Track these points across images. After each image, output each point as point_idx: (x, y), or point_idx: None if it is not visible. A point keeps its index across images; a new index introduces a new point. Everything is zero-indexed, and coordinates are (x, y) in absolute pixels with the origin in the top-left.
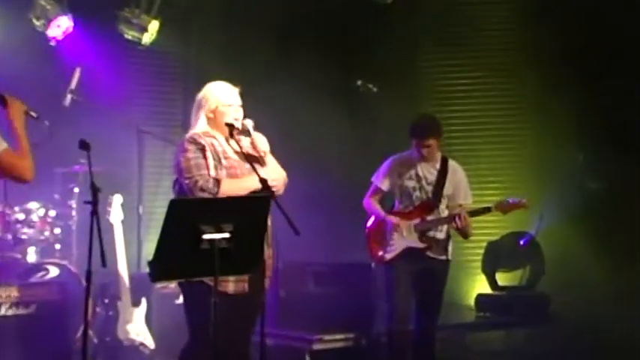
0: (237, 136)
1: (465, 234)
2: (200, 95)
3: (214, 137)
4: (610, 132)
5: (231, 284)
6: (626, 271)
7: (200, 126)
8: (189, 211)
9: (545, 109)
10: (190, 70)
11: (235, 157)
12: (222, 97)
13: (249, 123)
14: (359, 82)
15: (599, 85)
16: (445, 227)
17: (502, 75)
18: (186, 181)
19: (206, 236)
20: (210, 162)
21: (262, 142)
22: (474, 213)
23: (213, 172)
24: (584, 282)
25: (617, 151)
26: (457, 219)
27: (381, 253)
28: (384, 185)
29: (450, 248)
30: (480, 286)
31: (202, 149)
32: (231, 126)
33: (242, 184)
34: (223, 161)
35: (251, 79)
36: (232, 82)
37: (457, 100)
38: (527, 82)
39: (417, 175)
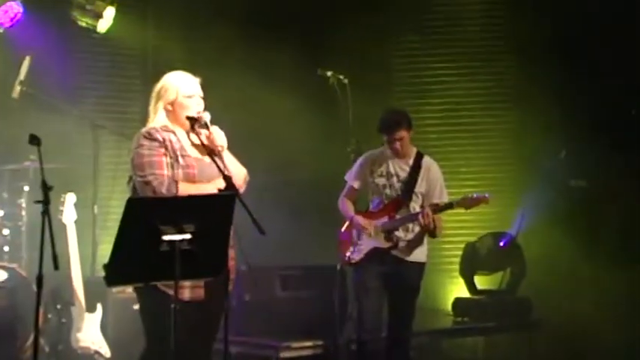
0: (198, 130)
1: (431, 232)
2: (158, 86)
3: (173, 132)
4: (594, 127)
5: (187, 290)
6: (613, 273)
7: (158, 119)
8: (148, 210)
9: (527, 103)
10: (148, 59)
11: (195, 154)
12: (182, 87)
13: (207, 115)
14: (329, 73)
15: (583, 78)
16: (417, 228)
17: (481, 66)
18: (139, 180)
19: (166, 237)
20: (166, 160)
21: (220, 136)
22: (436, 209)
23: (167, 172)
24: (568, 285)
25: (602, 146)
26: (420, 216)
27: (348, 254)
28: (357, 184)
29: (424, 250)
30: (458, 289)
31: (159, 146)
32: (193, 119)
33: (202, 190)
34: (180, 160)
35: (212, 68)
36: (192, 71)
37: (433, 92)
38: (508, 75)
39: (387, 171)
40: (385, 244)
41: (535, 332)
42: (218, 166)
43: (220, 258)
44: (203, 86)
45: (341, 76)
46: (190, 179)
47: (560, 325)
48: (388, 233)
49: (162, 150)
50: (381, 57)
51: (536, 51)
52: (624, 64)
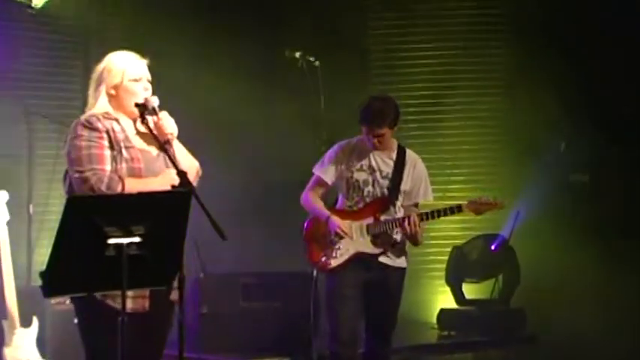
0: (147, 119)
1: (415, 241)
2: (100, 67)
3: (116, 120)
4: (596, 116)
5: (129, 301)
6: (619, 280)
7: (99, 105)
8: (92, 210)
9: (521, 90)
10: (92, 39)
11: (141, 146)
12: (128, 69)
13: (154, 100)
14: (297, 54)
15: (583, 64)
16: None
17: (469, 47)
18: (75, 175)
19: (112, 241)
20: (108, 153)
21: (170, 123)
22: (440, 213)
23: (109, 167)
24: (568, 294)
25: (604, 138)
26: (407, 223)
27: (324, 259)
28: (329, 177)
29: (406, 253)
30: (444, 299)
31: (99, 136)
32: (142, 106)
33: (151, 185)
34: (124, 152)
35: (162, 50)
36: (140, 53)
37: (415, 76)
38: (502, 58)
39: (369, 165)
40: (374, 250)
41: (530, 347)
42: (171, 159)
43: (174, 264)
44: (151, 69)
45: (311, 58)
46: (136, 174)
47: (558, 340)
48: (374, 237)
49: (104, 141)
50: (356, 36)
51: (532, 30)
52: (627, 49)
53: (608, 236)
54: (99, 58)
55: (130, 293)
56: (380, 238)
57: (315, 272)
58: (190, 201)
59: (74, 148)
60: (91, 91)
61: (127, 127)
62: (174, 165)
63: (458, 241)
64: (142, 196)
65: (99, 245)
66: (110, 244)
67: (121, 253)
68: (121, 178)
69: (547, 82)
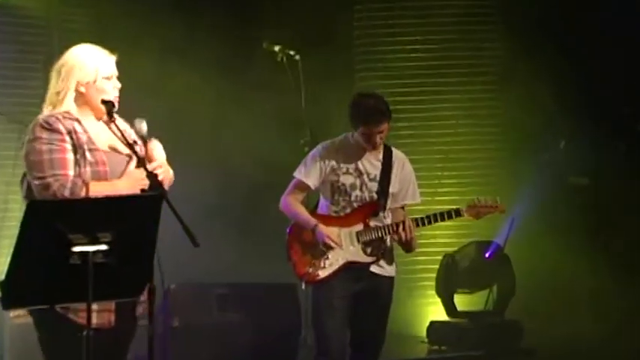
0: (114, 118)
1: (410, 247)
2: (66, 61)
3: (77, 120)
4: (597, 113)
5: (94, 315)
6: (620, 290)
7: (64, 104)
8: (54, 215)
9: (517, 86)
10: (55, 31)
11: (106, 147)
12: (101, 67)
13: (144, 126)
14: (277, 48)
15: (584, 56)
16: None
17: (461, 40)
18: (36, 182)
19: (77, 248)
20: (70, 157)
21: (159, 152)
22: (437, 218)
23: (72, 171)
24: (567, 305)
25: (607, 136)
26: (401, 229)
27: (311, 270)
28: (312, 181)
29: (395, 261)
30: (434, 311)
31: (61, 139)
32: (109, 104)
33: (118, 188)
34: (88, 155)
35: (133, 44)
36: (106, 47)
37: (403, 72)
38: (496, 51)
39: (356, 168)
40: (366, 258)
41: None
42: (140, 160)
43: (144, 274)
44: (119, 64)
45: (291, 52)
46: (101, 178)
47: (557, 354)
48: (365, 244)
49: (66, 144)
50: (340, 29)
51: (526, 23)
52: (627, 47)
53: (609, 243)
54: (63, 52)
55: (94, 307)
56: (371, 245)
57: (303, 285)
58: (161, 205)
59: (34, 151)
60: (54, 87)
61: (89, 128)
62: (144, 167)
63: (449, 249)
64: (109, 200)
65: (62, 253)
66: (74, 252)
67: (87, 261)
68: (84, 183)
69: (544, 78)
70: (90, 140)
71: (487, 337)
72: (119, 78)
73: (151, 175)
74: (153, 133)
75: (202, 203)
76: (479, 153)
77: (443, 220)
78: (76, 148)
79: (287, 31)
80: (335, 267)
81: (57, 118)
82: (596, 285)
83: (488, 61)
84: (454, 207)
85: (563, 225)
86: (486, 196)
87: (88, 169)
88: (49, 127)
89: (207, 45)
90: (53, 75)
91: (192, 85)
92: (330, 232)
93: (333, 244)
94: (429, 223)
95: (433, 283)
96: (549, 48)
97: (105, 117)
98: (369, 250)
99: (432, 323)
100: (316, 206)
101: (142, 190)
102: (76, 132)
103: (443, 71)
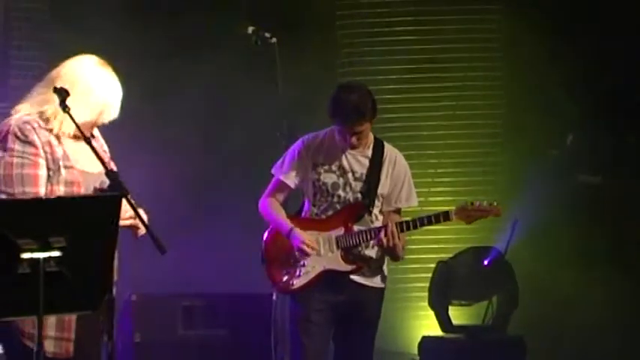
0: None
1: (394, 255)
2: (78, 77)
3: (50, 130)
4: (609, 104)
5: (50, 343)
6: (634, 303)
7: (44, 109)
8: (0, 218)
9: (519, 75)
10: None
11: (82, 166)
12: (108, 110)
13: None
14: (250, 30)
15: (595, 42)
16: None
17: (457, 21)
18: (2, 196)
19: (26, 255)
20: (43, 173)
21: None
22: (423, 221)
23: (43, 189)
24: (575, 319)
25: (619, 129)
26: (383, 234)
27: (286, 278)
28: (291, 180)
29: (384, 271)
30: (427, 325)
31: (34, 153)
32: (62, 91)
33: None
34: (63, 172)
35: (98, 28)
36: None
37: (391, 55)
38: (496, 34)
39: (340, 166)
40: (345, 267)
41: None
42: (98, 156)
43: (102, 284)
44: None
45: (267, 34)
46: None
47: None
48: (346, 251)
49: (39, 159)
50: (320, 8)
51: (530, 8)
52: None
53: (623, 250)
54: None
55: (52, 333)
56: (352, 252)
57: (275, 295)
58: (121, 207)
59: (4, 164)
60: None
61: (65, 141)
62: (102, 163)
63: (443, 255)
64: (62, 201)
65: (9, 261)
66: (23, 260)
67: (37, 270)
68: None
69: (549, 67)
70: (65, 156)
71: (486, 355)
72: None
73: (111, 174)
74: (113, 124)
75: (167, 202)
76: (477, 148)
77: (430, 223)
78: (49, 164)
79: (263, 12)
80: (311, 276)
81: (32, 127)
82: (607, 295)
83: (489, 46)
84: (443, 209)
85: (572, 229)
86: (482, 199)
87: (62, 188)
88: (24, 139)
89: (175, 27)
90: (53, 80)
91: (155, 69)
92: (306, 237)
93: (308, 250)
94: (415, 227)
95: (425, 294)
96: (554, 34)
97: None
98: (349, 257)
99: (425, 339)
100: (301, 208)
101: (101, 190)
102: (50, 145)
103: (435, 55)
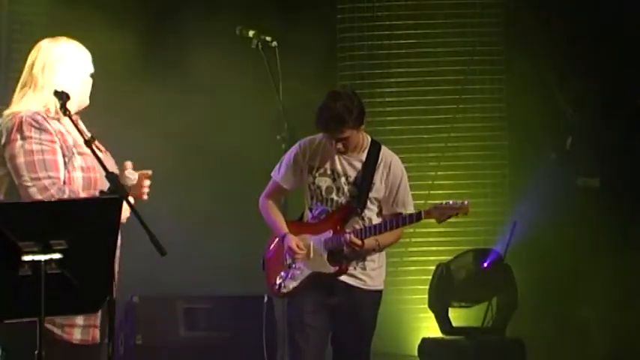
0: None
1: (365, 257)
2: (51, 55)
3: (57, 120)
4: (609, 103)
5: (77, 330)
6: (636, 305)
7: (41, 101)
8: (2, 220)
9: (521, 75)
10: (3, 13)
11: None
12: (88, 65)
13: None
14: (251, 33)
15: (592, 43)
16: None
17: (458, 25)
18: (28, 184)
19: (27, 257)
20: (61, 160)
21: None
22: (393, 224)
23: (62, 176)
24: (575, 321)
25: (619, 131)
26: (342, 240)
27: (279, 281)
28: (287, 183)
29: (382, 273)
30: (427, 327)
31: (50, 140)
32: (62, 94)
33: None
34: (78, 159)
35: (89, 28)
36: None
37: (392, 59)
38: (497, 35)
39: (333, 169)
40: (329, 268)
41: None
42: (99, 160)
43: (102, 286)
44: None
45: (268, 38)
46: (92, 185)
47: None
48: (332, 253)
49: (56, 146)
50: (320, 11)
51: (530, 7)
52: None
53: (623, 251)
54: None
55: (80, 321)
56: (337, 254)
57: (266, 298)
58: (122, 209)
59: (24, 152)
60: (27, 81)
61: (72, 129)
62: (103, 167)
63: (443, 257)
64: (64, 203)
65: (11, 263)
66: (25, 262)
67: (39, 272)
68: (76, 191)
69: (549, 67)
70: (76, 143)
71: (485, 357)
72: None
73: (112, 177)
74: (113, 128)
75: (168, 205)
76: (476, 151)
77: (398, 226)
78: (64, 151)
79: (265, 16)
80: (301, 278)
81: (43, 117)
82: (608, 297)
83: (489, 49)
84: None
85: (571, 231)
86: (482, 201)
87: (80, 174)
88: (38, 127)
89: (176, 31)
90: (31, 68)
91: (158, 76)
92: (296, 241)
93: (298, 254)
94: (378, 231)
95: (425, 296)
96: (555, 33)
97: (59, 110)
98: (334, 259)
99: (424, 341)
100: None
101: (102, 192)
102: (62, 133)
103: (436, 59)
